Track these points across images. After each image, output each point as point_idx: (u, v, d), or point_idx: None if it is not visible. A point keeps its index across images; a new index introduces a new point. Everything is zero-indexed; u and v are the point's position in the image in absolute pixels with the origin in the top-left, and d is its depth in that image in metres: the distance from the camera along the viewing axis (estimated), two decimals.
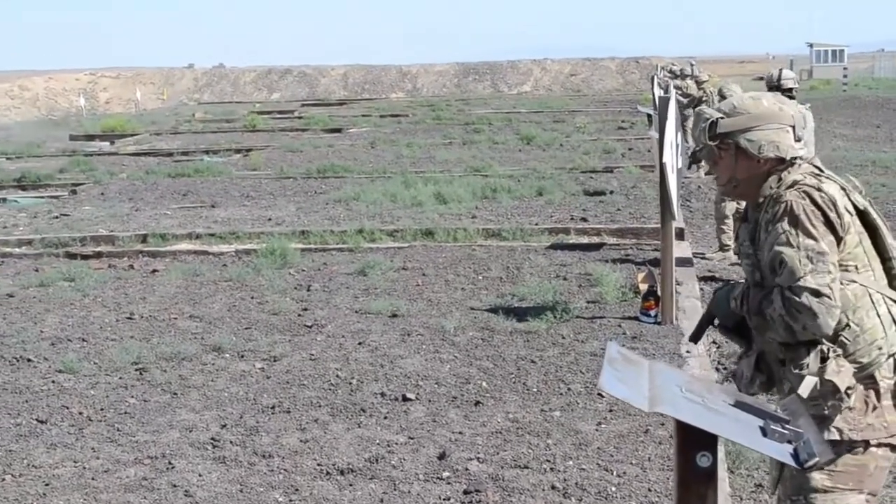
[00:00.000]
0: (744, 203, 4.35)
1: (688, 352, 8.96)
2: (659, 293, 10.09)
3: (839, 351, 3.77)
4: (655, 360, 3.71)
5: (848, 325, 3.78)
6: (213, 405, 8.09)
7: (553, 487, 6.33)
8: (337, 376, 8.65)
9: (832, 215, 3.76)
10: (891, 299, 3.88)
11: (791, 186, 3.83)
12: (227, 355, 9.40)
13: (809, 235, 3.71)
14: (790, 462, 3.01)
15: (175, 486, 6.59)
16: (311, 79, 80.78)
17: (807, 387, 3.70)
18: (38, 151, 31.63)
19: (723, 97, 14.40)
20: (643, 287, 10.46)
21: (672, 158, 10.09)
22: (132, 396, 8.36)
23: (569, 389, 8.13)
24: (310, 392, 8.30)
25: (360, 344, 9.62)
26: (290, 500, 6.36)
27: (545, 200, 17.67)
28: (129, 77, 79.74)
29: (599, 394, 7.86)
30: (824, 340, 3.76)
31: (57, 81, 72.73)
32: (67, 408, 8.09)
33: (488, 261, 13.08)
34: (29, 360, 9.39)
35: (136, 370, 9.04)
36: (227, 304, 11.37)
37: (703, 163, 19.50)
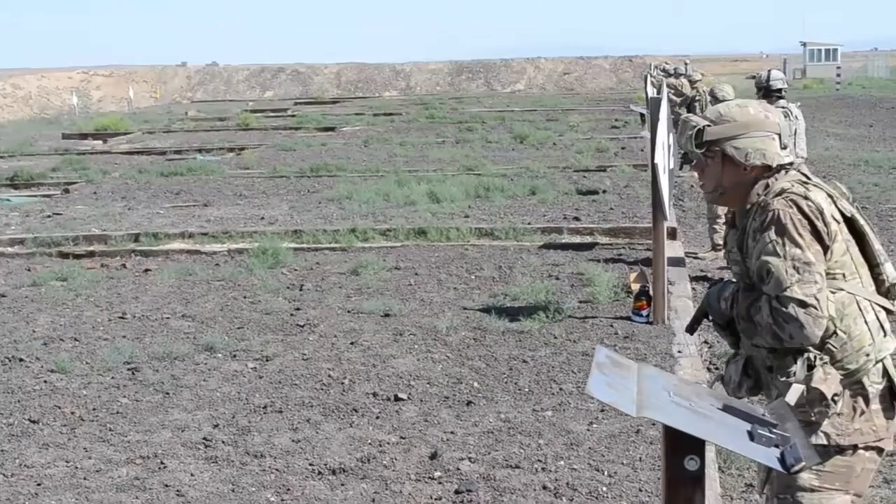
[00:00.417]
0: None
1: (679, 352, 8.98)
2: (651, 293, 10.10)
3: (826, 358, 3.78)
4: (644, 364, 3.72)
5: (835, 332, 3.78)
6: (206, 405, 8.10)
7: (544, 487, 6.35)
8: (329, 376, 8.66)
9: (819, 224, 3.76)
10: (879, 305, 3.90)
11: (779, 194, 3.83)
12: (220, 355, 9.40)
13: (796, 245, 3.71)
14: (777, 467, 3.03)
15: (167, 485, 6.60)
16: (304, 77, 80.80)
17: (794, 394, 3.71)
18: (30, 150, 31.61)
19: (715, 97, 14.47)
20: (635, 287, 10.48)
21: (664, 159, 10.11)
22: (124, 396, 8.36)
23: (560, 389, 8.15)
24: (302, 392, 8.31)
25: (352, 344, 9.63)
26: (282, 500, 6.36)
27: (538, 199, 17.69)
28: (122, 75, 79.72)
29: None
30: (811, 348, 3.76)
31: (50, 80, 72.64)
32: (59, 407, 8.09)
33: (481, 260, 13.10)
34: (21, 359, 9.39)
35: (129, 370, 9.03)
36: (219, 303, 11.38)
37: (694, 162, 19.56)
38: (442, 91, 73.13)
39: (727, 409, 3.39)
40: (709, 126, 3.98)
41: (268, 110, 52.24)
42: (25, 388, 8.60)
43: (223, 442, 7.29)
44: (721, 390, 4.11)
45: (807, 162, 20.57)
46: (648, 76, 25.24)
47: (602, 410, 7.60)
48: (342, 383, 8.47)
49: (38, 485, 6.66)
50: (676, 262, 12.23)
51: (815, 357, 3.76)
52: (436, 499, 6.29)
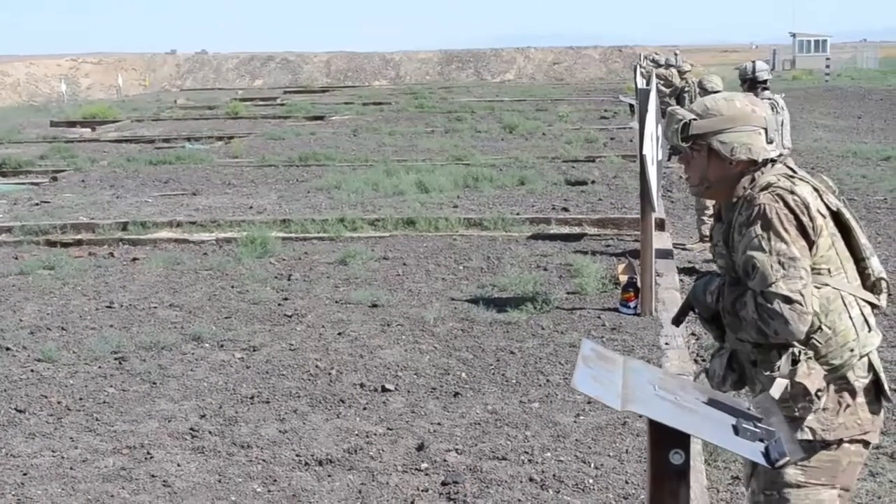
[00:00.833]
0: None
1: (667, 343, 8.99)
2: (638, 284, 10.11)
3: (810, 353, 3.77)
4: (630, 357, 3.72)
5: (820, 327, 3.78)
6: (193, 395, 8.09)
7: (531, 479, 6.35)
8: (316, 366, 8.66)
9: (805, 219, 3.75)
10: (864, 300, 3.90)
11: (765, 189, 3.82)
12: (207, 345, 9.40)
13: (782, 240, 3.71)
14: (761, 461, 3.03)
15: (153, 476, 6.59)
16: (293, 66, 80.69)
17: (777, 389, 3.71)
18: (18, 137, 31.53)
19: (703, 88, 14.49)
20: (623, 278, 10.49)
21: (652, 150, 10.11)
22: (111, 386, 8.35)
23: (548, 381, 8.15)
24: (289, 382, 8.30)
25: (339, 334, 9.63)
26: (269, 491, 6.36)
27: (527, 190, 17.69)
28: (111, 63, 79.55)
29: None
30: (796, 343, 3.76)
31: (38, 67, 72.48)
32: (46, 397, 8.08)
33: (469, 251, 13.10)
34: (7, 348, 9.37)
35: (116, 359, 9.02)
36: (207, 293, 11.36)
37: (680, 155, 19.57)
38: (431, 80, 73.05)
39: (712, 402, 3.39)
40: (695, 120, 3.96)
41: (257, 99, 52.17)
42: (12, 378, 8.58)
43: (210, 432, 7.28)
44: (706, 384, 4.11)
45: (795, 153, 20.60)
46: (638, 66, 25.23)
47: (589, 402, 7.60)
48: (329, 374, 8.47)
49: (25, 475, 6.65)
50: (664, 253, 12.24)
51: (799, 352, 3.76)
52: (422, 490, 6.29)
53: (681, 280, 11.42)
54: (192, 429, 7.34)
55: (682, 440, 3.09)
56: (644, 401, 3.15)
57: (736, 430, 3.17)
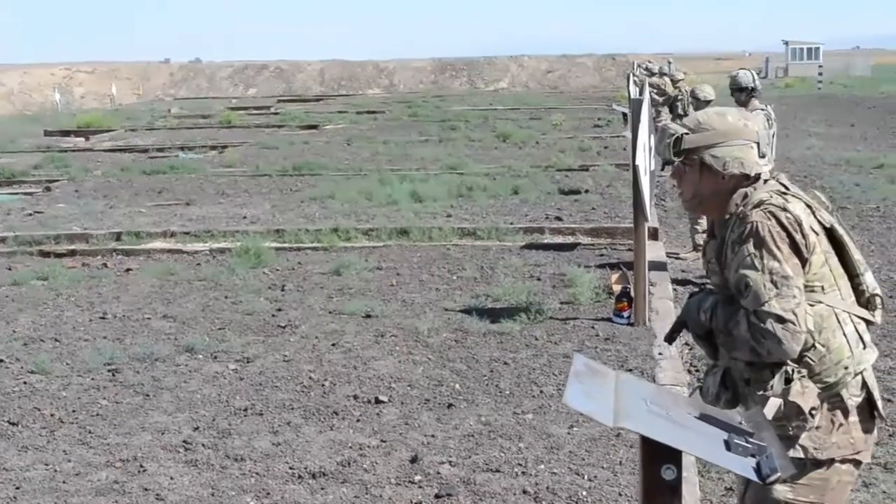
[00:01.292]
0: None
1: (660, 354, 8.99)
2: (632, 294, 10.11)
3: (804, 372, 3.76)
4: (622, 372, 3.72)
5: (814, 345, 3.76)
6: (186, 407, 8.08)
7: (524, 492, 6.35)
8: (310, 378, 8.65)
9: (797, 237, 3.74)
10: (858, 317, 3.88)
11: (757, 206, 3.80)
12: (200, 356, 9.39)
13: (774, 258, 3.69)
14: (752, 477, 3.03)
15: (146, 489, 6.58)
16: (287, 74, 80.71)
17: (771, 408, 3.70)
18: (12, 147, 31.49)
19: (696, 98, 14.48)
20: (616, 288, 10.48)
21: (645, 161, 10.11)
22: (104, 398, 8.34)
23: (541, 392, 8.15)
24: (282, 394, 8.30)
25: (333, 345, 9.63)
26: None
27: (520, 199, 17.72)
28: (104, 72, 79.55)
29: None
30: (789, 361, 3.75)
31: (31, 76, 72.49)
32: (39, 409, 8.07)
33: (463, 261, 13.10)
34: (0, 360, 9.35)
35: (109, 371, 9.01)
36: (200, 303, 11.35)
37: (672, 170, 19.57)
38: (425, 89, 73.08)
39: (704, 417, 3.39)
40: (687, 134, 3.96)
41: (250, 108, 52.15)
42: (4, 390, 8.57)
43: (203, 445, 7.27)
44: (699, 398, 4.10)
45: (787, 161, 20.61)
46: (631, 75, 25.26)
47: (582, 414, 7.57)
48: (323, 385, 8.47)
49: (17, 488, 6.64)
50: (658, 264, 12.24)
51: (792, 370, 3.74)
52: (416, 503, 6.29)
53: (674, 290, 11.42)
54: (185, 441, 7.33)
55: (674, 455, 3.09)
56: (636, 416, 3.15)
57: (728, 445, 3.17)
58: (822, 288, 3.81)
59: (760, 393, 3.78)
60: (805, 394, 3.72)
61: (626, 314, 10.07)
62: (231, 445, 7.25)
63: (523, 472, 6.63)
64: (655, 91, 21.77)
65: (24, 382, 8.76)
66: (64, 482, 6.72)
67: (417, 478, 6.61)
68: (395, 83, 76.87)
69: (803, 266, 3.75)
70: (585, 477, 6.54)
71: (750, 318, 3.71)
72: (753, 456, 3.13)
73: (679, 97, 21.08)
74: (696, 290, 4.24)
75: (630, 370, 8.50)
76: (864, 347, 3.88)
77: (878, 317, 3.98)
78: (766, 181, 3.95)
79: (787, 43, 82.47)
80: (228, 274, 12.70)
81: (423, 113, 41.76)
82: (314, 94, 68.74)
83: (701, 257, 4.71)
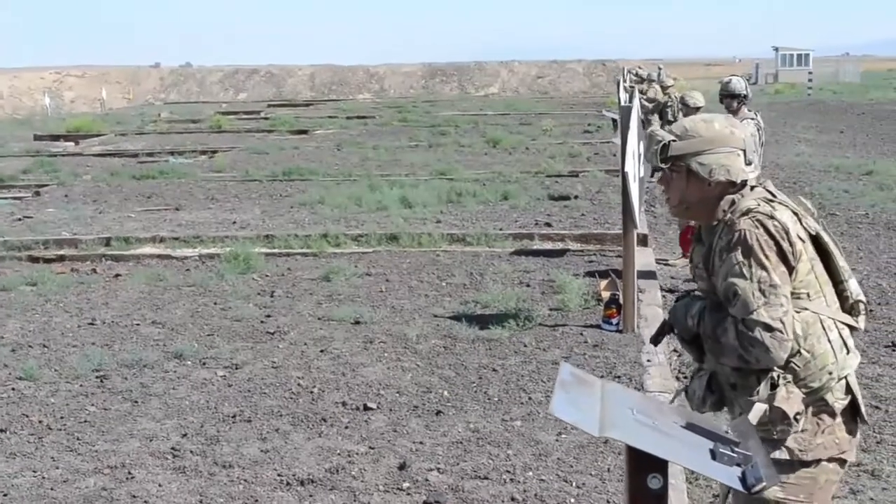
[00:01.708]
0: None
1: (649, 361, 9.00)
2: (621, 301, 10.12)
3: (789, 377, 3.79)
4: (608, 380, 3.73)
5: (799, 351, 3.80)
6: (174, 414, 8.07)
7: (513, 499, 6.35)
8: (299, 385, 8.65)
9: (785, 245, 3.77)
10: (842, 323, 3.92)
11: (745, 214, 3.83)
12: (189, 362, 9.38)
13: (762, 267, 3.72)
14: (738, 486, 3.04)
15: (134, 496, 6.57)
16: (277, 79, 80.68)
17: (756, 413, 3.73)
18: (1, 151, 31.40)
19: (685, 104, 14.51)
20: (605, 295, 10.50)
21: (634, 167, 10.13)
22: (92, 404, 8.33)
23: (530, 399, 8.16)
24: (271, 401, 8.29)
25: (322, 351, 9.62)
26: None
27: (510, 205, 17.72)
28: (94, 76, 79.46)
29: None
30: (775, 367, 3.78)
31: (21, 80, 72.37)
32: (27, 416, 8.06)
33: (452, 267, 13.10)
34: None
35: (97, 377, 9.00)
36: (189, 309, 11.34)
37: (660, 176, 19.61)
38: (416, 94, 73.10)
39: (690, 426, 3.40)
40: (674, 141, 3.98)
41: (241, 112, 52.13)
42: None
43: (191, 452, 7.26)
44: (685, 407, 4.12)
45: (777, 167, 20.65)
46: (621, 81, 25.31)
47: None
48: (311, 392, 8.46)
49: (5, 495, 6.62)
50: (647, 271, 12.26)
51: (778, 376, 3.78)
52: None
53: (663, 296, 11.43)
54: (173, 448, 7.32)
55: (659, 465, 3.10)
56: (622, 426, 3.15)
57: (713, 454, 3.18)
58: (808, 295, 3.84)
59: (746, 398, 3.81)
60: (790, 399, 3.76)
61: (614, 321, 10.08)
62: (219, 452, 7.24)
63: (511, 480, 6.64)
64: (644, 98, 21.83)
65: (13, 389, 8.75)
66: (52, 489, 6.71)
67: (406, 485, 6.61)
68: (385, 88, 76.87)
69: (790, 273, 3.78)
70: (574, 484, 6.54)
71: (738, 327, 3.73)
72: (739, 465, 3.14)
73: (669, 103, 21.12)
74: (683, 293, 4.26)
75: (618, 377, 8.51)
76: (848, 353, 3.92)
77: (861, 323, 4.02)
78: (753, 188, 3.97)
79: (777, 49, 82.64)
80: (217, 280, 12.69)
81: (413, 118, 41.77)
82: (304, 99, 68.71)
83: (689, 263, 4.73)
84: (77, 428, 7.81)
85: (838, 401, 3.87)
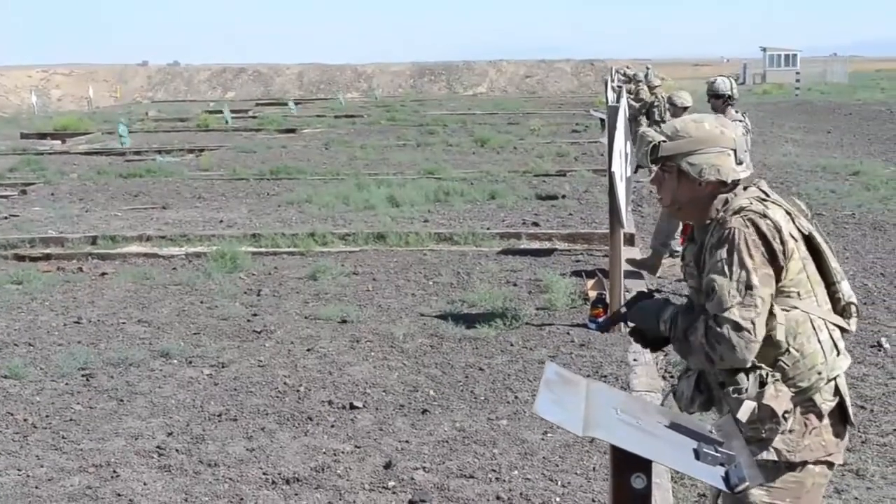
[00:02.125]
0: None
1: (635, 360, 9.01)
2: (608, 300, 10.13)
3: (778, 375, 3.80)
4: (593, 380, 3.73)
5: (788, 350, 3.80)
6: (160, 412, 8.05)
7: (498, 497, 6.35)
8: (285, 383, 8.64)
9: (775, 244, 3.76)
10: (833, 324, 3.92)
11: (737, 212, 3.83)
12: (175, 361, 9.36)
13: (744, 267, 3.72)
14: (721, 486, 3.04)
15: (119, 494, 6.56)
16: (266, 78, 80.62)
17: (745, 411, 3.73)
18: None
19: (672, 104, 14.53)
20: (592, 294, 10.51)
21: (621, 167, 10.14)
22: (78, 403, 8.31)
23: (516, 398, 8.16)
24: (257, 399, 8.28)
25: (308, 350, 9.61)
26: None
27: (497, 204, 17.73)
28: (82, 74, 79.33)
29: None
30: (764, 365, 3.79)
31: (8, 78, 72.17)
32: (12, 414, 8.03)
33: (439, 266, 13.10)
34: None
35: (83, 376, 8.98)
36: (176, 308, 11.32)
37: (652, 176, 19.64)
38: (404, 93, 73.10)
39: (674, 426, 3.40)
40: (664, 142, 3.98)
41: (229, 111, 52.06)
42: None
43: (177, 450, 7.25)
44: (669, 407, 4.12)
45: (764, 168, 20.68)
46: (609, 81, 25.35)
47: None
48: (298, 391, 8.45)
49: None
50: (634, 270, 12.26)
51: (766, 374, 3.79)
52: None
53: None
54: (158, 447, 7.31)
55: (643, 464, 3.10)
56: (606, 426, 3.16)
57: (697, 454, 3.18)
58: (799, 294, 3.83)
59: (735, 396, 3.81)
60: (779, 397, 3.76)
61: (601, 320, 10.08)
62: (205, 451, 7.23)
63: (497, 479, 6.64)
64: (632, 97, 21.85)
65: None
66: (37, 487, 6.69)
67: (391, 484, 6.61)
68: (373, 87, 76.84)
69: (778, 273, 3.79)
70: (559, 483, 6.55)
71: (708, 322, 3.76)
72: (722, 465, 3.14)
73: (656, 103, 21.15)
74: (644, 290, 4.28)
75: (605, 376, 8.52)
76: (838, 354, 3.91)
77: (852, 325, 4.01)
78: (746, 187, 3.97)
79: (764, 49, 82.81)
80: (204, 278, 12.67)
81: (401, 117, 41.78)
82: (292, 98, 68.64)
83: (678, 263, 4.73)
84: (62, 426, 7.79)
85: (826, 402, 3.87)
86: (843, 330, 3.97)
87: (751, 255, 3.74)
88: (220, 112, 44.88)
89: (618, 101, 11.27)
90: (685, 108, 14.17)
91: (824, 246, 3.95)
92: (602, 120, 27.32)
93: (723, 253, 3.78)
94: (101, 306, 11.50)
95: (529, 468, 6.79)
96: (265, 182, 21.63)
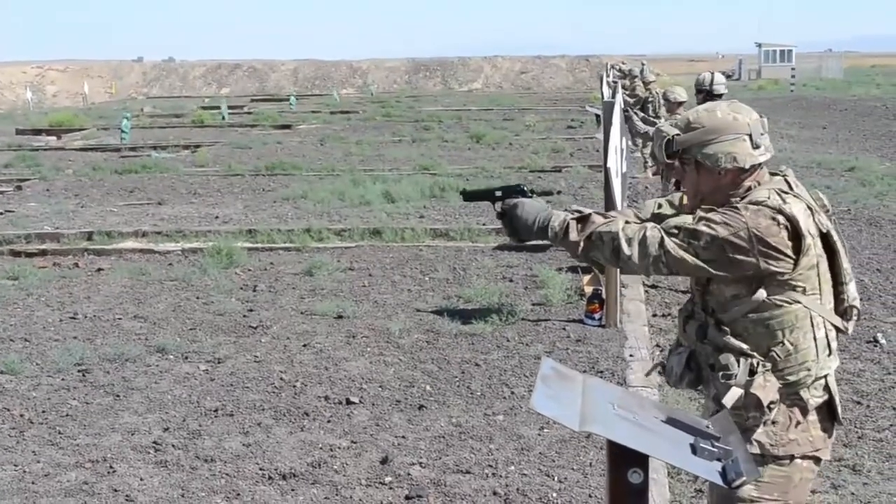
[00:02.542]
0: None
1: (631, 356, 9.02)
2: (603, 296, 10.14)
3: (768, 366, 3.80)
4: (589, 375, 3.73)
5: (782, 342, 3.80)
6: (156, 408, 8.06)
7: (494, 493, 6.36)
8: (281, 379, 8.64)
9: (778, 238, 3.72)
10: (832, 324, 3.90)
11: (754, 204, 3.79)
12: (171, 357, 9.37)
13: (716, 236, 3.72)
14: (718, 481, 3.04)
15: (116, 490, 6.56)
16: (261, 74, 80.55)
17: (732, 397, 3.75)
18: None
19: (667, 99, 14.53)
20: (588, 290, 10.51)
21: (616, 163, 10.15)
22: (74, 398, 8.31)
23: (512, 393, 8.17)
24: (253, 395, 8.29)
25: (304, 346, 9.62)
26: None
27: None
28: (77, 70, 79.15)
29: None
30: (756, 354, 3.80)
31: (3, 74, 72.01)
32: (9, 410, 8.03)
33: (435, 261, 13.11)
34: None
35: (79, 371, 8.98)
36: (172, 304, 11.32)
37: (649, 163, 19.63)
38: (399, 89, 73.06)
39: (671, 421, 3.40)
40: (678, 135, 3.96)
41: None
42: None
43: (173, 446, 7.26)
44: (664, 398, 4.13)
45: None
46: (604, 76, 25.35)
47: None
48: (294, 386, 8.46)
49: None
50: None
51: (757, 363, 3.80)
52: None
53: (646, 292, 11.46)
54: (155, 442, 7.31)
55: (640, 459, 3.10)
56: (602, 421, 3.15)
57: (694, 449, 3.18)
58: (805, 289, 3.79)
59: (724, 381, 3.82)
60: (766, 388, 3.78)
61: (597, 316, 10.10)
62: (201, 446, 7.24)
63: (494, 474, 6.65)
64: (627, 93, 21.85)
65: None
66: (33, 483, 6.69)
67: (388, 479, 6.61)
68: (368, 83, 76.79)
69: (796, 263, 3.76)
70: (555, 478, 6.55)
71: (647, 230, 3.80)
72: (719, 460, 3.14)
73: (650, 99, 21.13)
74: (520, 187, 4.35)
75: (601, 372, 8.53)
76: (830, 354, 3.91)
77: (850, 327, 3.99)
78: (773, 176, 3.96)
79: (760, 45, 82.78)
80: (200, 274, 12.67)
81: (396, 113, 41.77)
82: (288, 94, 68.58)
83: None
84: (58, 422, 7.79)
85: (813, 398, 3.87)
86: (839, 331, 3.97)
87: (731, 243, 3.71)
88: (216, 108, 44.85)
89: (613, 96, 11.28)
90: (680, 104, 14.16)
91: (839, 245, 3.90)
92: (598, 115, 27.32)
93: (716, 216, 3.77)
94: (97, 302, 11.50)
95: (526, 463, 6.80)
96: (261, 178, 21.64)
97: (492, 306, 10.59)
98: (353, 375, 8.71)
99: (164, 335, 10.04)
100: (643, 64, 26.44)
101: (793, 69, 63.64)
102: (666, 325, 10.12)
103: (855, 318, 4.00)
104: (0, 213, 17.71)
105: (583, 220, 4.00)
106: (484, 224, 15.16)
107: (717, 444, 3.19)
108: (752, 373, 3.80)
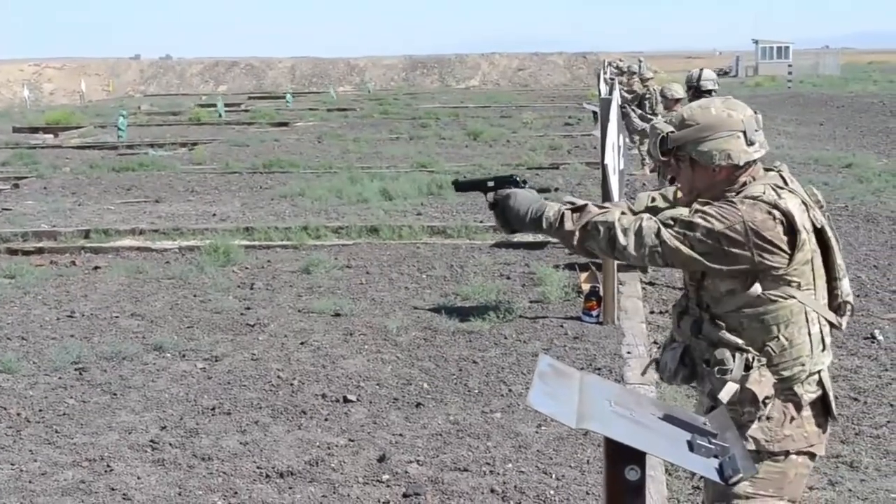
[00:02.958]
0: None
1: (629, 353, 9.02)
2: (601, 293, 10.13)
3: (763, 361, 3.81)
4: (587, 372, 3.73)
5: (777, 337, 3.80)
6: (153, 406, 8.04)
7: (492, 490, 6.36)
8: (278, 377, 8.63)
9: (773, 233, 3.73)
10: (826, 320, 3.90)
11: (749, 198, 3.78)
12: (169, 355, 9.35)
13: (712, 230, 3.72)
14: (715, 478, 3.04)
15: (113, 489, 6.55)
16: (258, 71, 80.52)
17: (727, 392, 3.76)
18: None
19: (664, 96, 14.55)
20: (586, 287, 10.50)
21: (614, 160, 10.14)
22: (71, 397, 8.29)
23: (510, 391, 8.16)
24: (251, 393, 8.27)
25: (302, 344, 9.61)
26: None
27: None
28: (74, 68, 79.14)
29: None
30: (751, 349, 3.80)
31: (0, 72, 71.95)
32: (5, 408, 8.02)
33: (433, 259, 13.10)
34: None
35: (76, 370, 8.96)
36: (169, 302, 11.31)
37: (646, 159, 19.64)
38: (396, 86, 73.06)
39: (668, 418, 3.39)
40: (672, 132, 3.96)
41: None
42: None
43: (170, 444, 7.25)
44: (661, 395, 4.13)
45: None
46: (601, 73, 25.35)
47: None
48: (291, 384, 8.45)
49: None
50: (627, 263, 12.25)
51: (753, 358, 3.81)
52: (384, 502, 6.27)
53: (643, 289, 11.46)
54: (152, 441, 7.30)
55: (637, 456, 3.09)
56: (600, 418, 3.15)
57: (691, 446, 3.17)
58: (799, 284, 3.80)
59: (719, 376, 3.82)
60: (761, 383, 3.79)
61: (594, 313, 10.09)
62: (198, 445, 7.23)
63: (491, 471, 6.64)
64: (625, 89, 21.86)
65: None
66: (30, 482, 6.68)
67: (385, 477, 6.61)
68: (366, 80, 76.78)
69: (791, 258, 3.75)
70: (553, 476, 6.55)
71: (643, 220, 3.79)
72: (716, 457, 3.14)
73: (647, 95, 21.14)
74: (513, 187, 4.34)
75: (598, 369, 8.53)
76: (824, 350, 3.91)
77: (844, 323, 3.99)
78: (767, 171, 3.96)
79: (757, 42, 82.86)
80: (197, 272, 12.65)
81: (393, 110, 41.76)
82: (285, 92, 68.59)
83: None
84: (55, 420, 7.78)
85: (807, 393, 3.87)
86: (832, 326, 3.97)
87: (727, 236, 3.72)
88: (213, 106, 44.83)
89: (611, 93, 11.27)
90: (677, 101, 14.17)
91: (833, 241, 3.91)
92: (595, 113, 27.33)
93: (712, 209, 3.77)
94: (94, 300, 11.48)
95: (523, 461, 6.79)
96: (258, 175, 21.63)
97: (489, 303, 10.58)
98: (351, 373, 8.70)
99: (161, 333, 10.03)
100: (640, 61, 26.52)
101: (790, 66, 63.68)
102: (663, 322, 10.11)
103: (848, 313, 4.01)
104: None
105: (578, 209, 3.98)
106: (481, 221, 15.15)
107: (714, 440, 3.19)
108: (748, 368, 3.81)
